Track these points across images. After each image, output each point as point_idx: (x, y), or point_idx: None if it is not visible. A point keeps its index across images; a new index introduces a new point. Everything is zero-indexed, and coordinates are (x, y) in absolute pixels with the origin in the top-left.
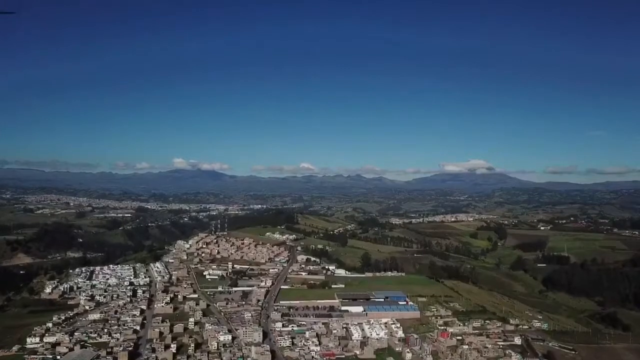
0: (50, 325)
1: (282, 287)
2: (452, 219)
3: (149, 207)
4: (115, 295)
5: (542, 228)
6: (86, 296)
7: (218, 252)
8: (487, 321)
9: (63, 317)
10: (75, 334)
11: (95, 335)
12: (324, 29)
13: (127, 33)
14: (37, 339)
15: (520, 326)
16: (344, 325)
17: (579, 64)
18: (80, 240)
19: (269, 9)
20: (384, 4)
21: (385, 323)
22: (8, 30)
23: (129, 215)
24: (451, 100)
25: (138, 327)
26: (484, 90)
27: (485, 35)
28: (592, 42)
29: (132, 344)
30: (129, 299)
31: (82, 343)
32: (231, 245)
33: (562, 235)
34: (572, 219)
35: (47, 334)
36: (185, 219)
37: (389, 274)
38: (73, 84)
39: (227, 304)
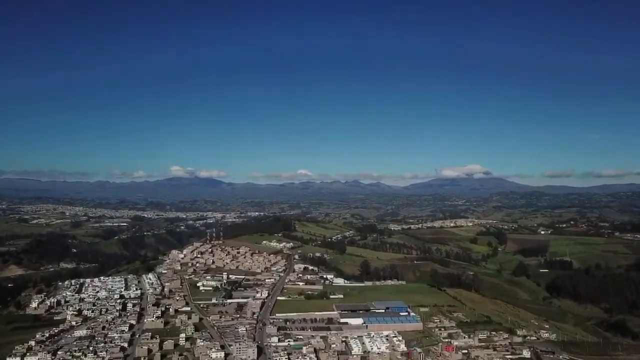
0: (32, 343)
1: (278, 298)
2: (452, 224)
3: (146, 215)
4: (104, 310)
5: (542, 232)
6: (73, 311)
7: (213, 262)
8: (494, 332)
9: (47, 334)
10: (59, 352)
11: (80, 354)
12: (321, 36)
13: (123, 41)
14: (18, 359)
15: (528, 337)
16: (343, 339)
17: (576, 67)
18: (74, 250)
19: (264, 18)
20: (379, 10)
21: (387, 336)
22: (5, 39)
23: (125, 224)
24: (447, 104)
25: (126, 344)
26: (481, 95)
27: (482, 39)
28: (588, 46)
29: None
30: (118, 314)
31: None
32: (226, 255)
33: (563, 240)
34: (572, 222)
35: (28, 353)
36: (182, 228)
37: (389, 282)
38: (70, 93)
39: (220, 317)
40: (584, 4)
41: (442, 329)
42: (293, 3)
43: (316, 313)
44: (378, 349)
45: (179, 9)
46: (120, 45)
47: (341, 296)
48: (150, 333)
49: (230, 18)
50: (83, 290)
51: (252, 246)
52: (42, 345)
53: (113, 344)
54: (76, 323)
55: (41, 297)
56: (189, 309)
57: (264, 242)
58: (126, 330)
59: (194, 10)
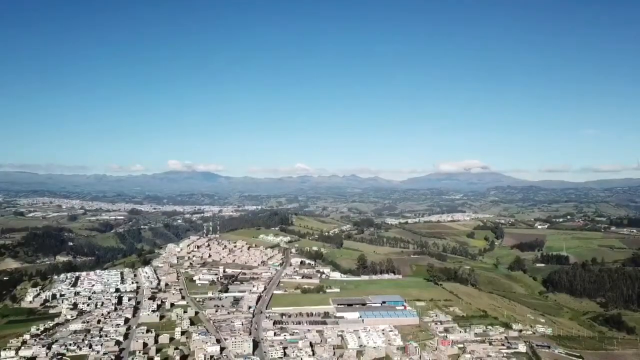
0: (27, 337)
1: (274, 292)
2: (449, 219)
3: (143, 209)
4: (99, 303)
5: (539, 227)
6: (69, 304)
7: (209, 256)
8: (489, 327)
9: (42, 328)
10: (54, 346)
11: (75, 347)
12: (318, 31)
13: (122, 36)
14: (13, 353)
15: (524, 332)
16: (339, 333)
17: (573, 64)
18: (71, 244)
19: (263, 15)
20: (379, 5)
21: (383, 330)
22: (4, 34)
23: (122, 217)
24: (446, 100)
25: (121, 338)
26: (479, 90)
27: (480, 36)
28: (585, 43)
29: (113, 357)
30: (113, 307)
31: (59, 357)
32: (223, 249)
33: (559, 234)
34: (568, 217)
35: (23, 347)
36: (179, 221)
37: (386, 276)
38: (68, 87)
39: (216, 311)
40: (581, 2)
41: (439, 323)
42: (291, 5)
43: (312, 307)
44: (374, 343)
45: (176, 5)
46: (118, 40)
47: (337, 290)
48: (145, 327)
49: (228, 13)
50: (79, 284)
51: (249, 240)
52: (37, 339)
53: (108, 338)
54: (71, 317)
55: (36, 290)
56: (184, 302)
57: (261, 236)
58: (122, 324)
59: (192, 6)
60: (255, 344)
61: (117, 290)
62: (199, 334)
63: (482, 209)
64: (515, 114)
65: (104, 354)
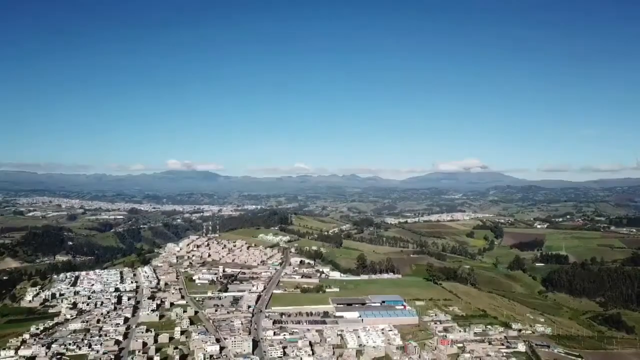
0: (27, 336)
1: (274, 291)
2: (448, 218)
3: (142, 208)
4: (99, 303)
5: (538, 226)
6: (68, 304)
7: (209, 255)
8: (489, 326)
9: (42, 327)
10: (53, 346)
11: (74, 347)
12: (318, 30)
13: (121, 35)
14: (12, 352)
15: (523, 331)
16: (339, 333)
17: (572, 64)
18: (70, 243)
19: (263, 11)
20: (380, 5)
21: (382, 330)
22: (5, 32)
23: (122, 217)
24: (445, 99)
25: (121, 338)
26: (478, 90)
27: (479, 35)
28: (585, 43)
29: (112, 356)
30: (113, 307)
31: (59, 356)
32: (223, 248)
33: (559, 234)
34: (568, 216)
35: (22, 346)
36: (178, 221)
37: (385, 276)
38: (68, 87)
39: (216, 310)
40: (581, 3)
41: (438, 323)
42: (292, 4)
43: (312, 307)
44: (374, 342)
45: (176, 5)
46: (117, 40)
47: (337, 290)
48: (145, 326)
49: (228, 12)
50: (78, 283)
51: (248, 239)
52: (37, 339)
53: (108, 337)
54: (71, 316)
55: (36, 290)
56: (184, 302)
57: (260, 235)
58: (121, 323)
59: (191, 6)
60: (255, 344)
61: (117, 289)
62: (198, 333)
63: (481, 209)
64: (514, 114)
65: (104, 353)
